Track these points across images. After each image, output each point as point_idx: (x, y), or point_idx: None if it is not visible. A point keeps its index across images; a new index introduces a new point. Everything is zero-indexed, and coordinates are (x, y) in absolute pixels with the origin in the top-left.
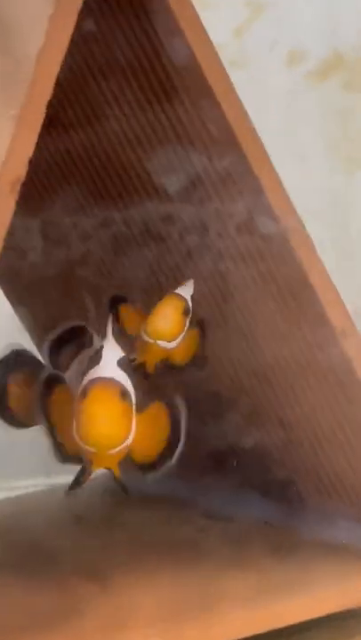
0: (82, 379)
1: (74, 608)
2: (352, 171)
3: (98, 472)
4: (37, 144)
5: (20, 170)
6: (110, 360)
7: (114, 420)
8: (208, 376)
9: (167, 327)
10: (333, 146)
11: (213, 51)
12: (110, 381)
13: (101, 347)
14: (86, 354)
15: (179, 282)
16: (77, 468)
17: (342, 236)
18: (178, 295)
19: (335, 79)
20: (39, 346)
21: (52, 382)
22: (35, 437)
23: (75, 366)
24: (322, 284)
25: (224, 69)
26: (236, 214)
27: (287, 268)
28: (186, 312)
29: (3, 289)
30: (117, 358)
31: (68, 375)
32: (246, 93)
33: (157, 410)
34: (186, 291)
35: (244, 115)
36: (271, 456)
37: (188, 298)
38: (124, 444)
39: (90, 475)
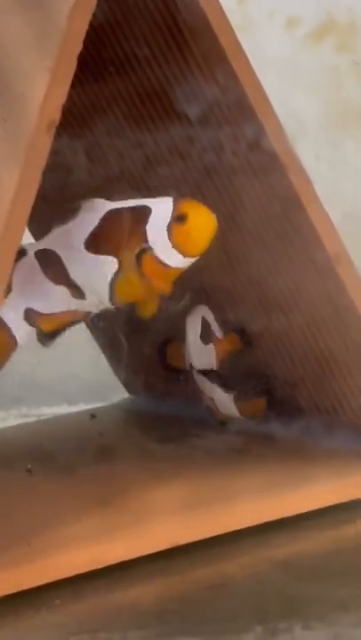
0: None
1: (103, 503)
2: (346, 125)
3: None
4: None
5: (54, 114)
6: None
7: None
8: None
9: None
10: (329, 102)
11: (224, 15)
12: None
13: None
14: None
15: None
16: None
17: (337, 193)
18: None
19: (329, 41)
20: None
21: None
22: (59, 371)
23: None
24: (318, 217)
25: (233, 30)
26: (237, 147)
27: (287, 201)
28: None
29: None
30: None
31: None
32: (249, 55)
33: None
34: None
35: (249, 67)
36: (276, 374)
37: None
38: None
39: None
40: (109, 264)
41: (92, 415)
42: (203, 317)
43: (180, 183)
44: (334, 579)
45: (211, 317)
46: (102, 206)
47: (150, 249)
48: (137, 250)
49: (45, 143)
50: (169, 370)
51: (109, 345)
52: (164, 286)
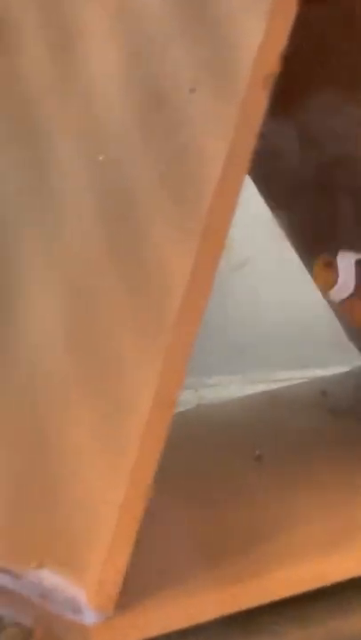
0: None
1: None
2: None
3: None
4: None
5: (272, 65)
6: None
7: None
8: None
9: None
10: None
11: None
12: None
13: None
14: None
15: None
16: None
17: None
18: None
19: None
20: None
21: None
22: (295, 332)
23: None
24: None
25: None
26: None
27: None
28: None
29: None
30: None
31: None
32: None
33: None
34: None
35: None
36: None
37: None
38: None
39: None
40: None
41: (323, 392)
42: None
43: None
44: None
45: None
46: None
47: None
48: None
49: (261, 100)
50: None
51: None
52: None
